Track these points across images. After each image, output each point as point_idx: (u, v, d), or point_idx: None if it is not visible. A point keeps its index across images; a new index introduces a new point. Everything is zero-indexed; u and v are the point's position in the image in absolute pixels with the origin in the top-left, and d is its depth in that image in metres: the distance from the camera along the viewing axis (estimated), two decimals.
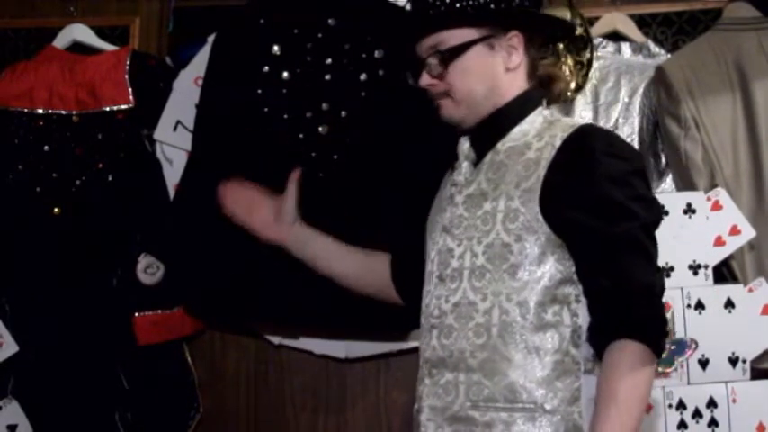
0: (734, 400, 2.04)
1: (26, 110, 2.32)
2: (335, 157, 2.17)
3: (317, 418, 2.35)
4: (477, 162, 1.58)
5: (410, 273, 1.74)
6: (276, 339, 2.34)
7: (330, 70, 2.19)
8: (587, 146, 1.46)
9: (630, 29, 2.37)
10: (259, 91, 2.19)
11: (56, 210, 2.28)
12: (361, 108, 2.18)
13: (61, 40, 2.42)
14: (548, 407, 1.43)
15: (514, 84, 1.56)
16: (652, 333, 1.40)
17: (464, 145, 1.61)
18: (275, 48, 2.20)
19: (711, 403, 2.03)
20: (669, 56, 2.32)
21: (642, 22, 2.41)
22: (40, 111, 2.32)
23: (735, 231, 2.07)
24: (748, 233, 2.08)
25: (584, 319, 1.47)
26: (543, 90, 1.61)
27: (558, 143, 1.49)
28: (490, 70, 1.55)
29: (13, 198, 2.29)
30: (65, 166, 2.29)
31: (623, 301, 1.40)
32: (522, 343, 1.45)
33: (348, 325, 2.21)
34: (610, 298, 1.41)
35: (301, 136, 2.18)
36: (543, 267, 1.46)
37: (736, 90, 2.19)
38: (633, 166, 1.48)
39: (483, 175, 1.55)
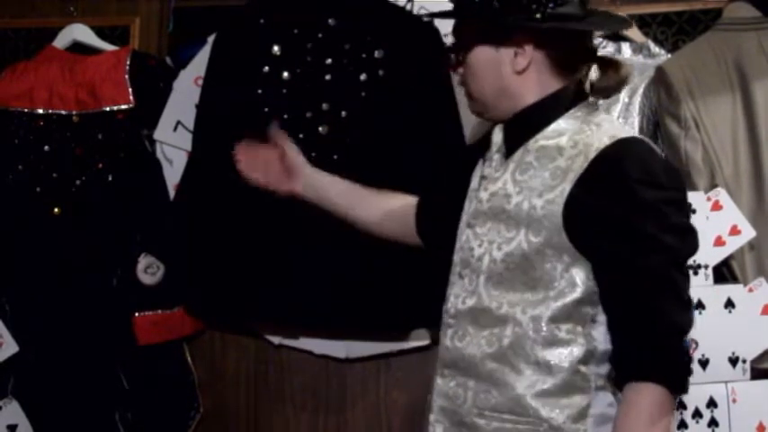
0: (734, 400, 2.04)
1: (26, 110, 2.32)
2: (335, 157, 2.17)
3: (317, 418, 2.35)
4: (507, 155, 1.53)
5: (435, 219, 1.72)
6: (276, 339, 2.34)
7: (330, 70, 2.19)
8: (621, 169, 1.38)
9: (630, 29, 2.36)
10: (259, 91, 2.19)
11: (56, 210, 2.28)
12: (361, 108, 2.18)
13: (61, 40, 2.42)
14: (553, 423, 1.41)
15: (528, 85, 1.50)
16: (677, 378, 1.37)
17: (497, 136, 1.56)
18: (275, 48, 2.20)
19: (711, 403, 2.03)
20: (669, 56, 2.32)
21: (642, 22, 2.41)
22: (41, 111, 2.32)
23: (735, 231, 2.07)
24: (748, 233, 2.08)
25: (599, 339, 1.43)
26: (582, 87, 1.53)
27: (591, 155, 1.40)
28: (496, 71, 1.50)
29: (13, 198, 2.29)
30: (65, 166, 2.29)
31: (648, 342, 1.36)
32: (532, 357, 1.42)
33: (348, 325, 2.21)
34: (634, 336, 1.37)
35: (301, 136, 2.17)
36: (564, 285, 1.42)
37: (737, 90, 2.19)
38: (668, 194, 1.39)
39: (510, 173, 1.50)
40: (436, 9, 2.25)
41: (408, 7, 2.30)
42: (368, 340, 2.28)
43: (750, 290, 2.08)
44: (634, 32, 2.36)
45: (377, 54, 2.19)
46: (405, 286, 2.13)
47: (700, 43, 2.27)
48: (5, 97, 2.32)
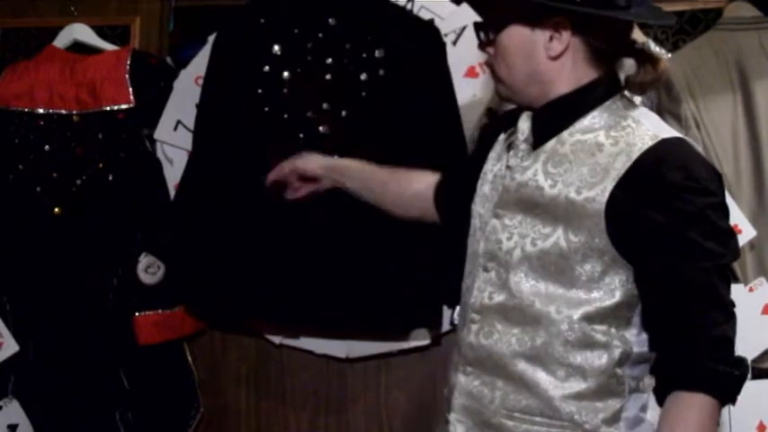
0: None
1: (27, 109, 2.32)
2: (336, 156, 2.16)
3: (318, 418, 2.35)
4: (535, 146, 1.46)
5: (454, 193, 1.68)
6: (277, 339, 2.34)
7: (330, 70, 2.19)
8: (665, 176, 1.33)
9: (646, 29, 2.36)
10: (259, 90, 2.19)
11: (56, 210, 2.28)
12: (362, 108, 2.18)
13: (62, 40, 2.42)
14: (587, 427, 1.38)
15: (562, 73, 1.42)
16: (728, 389, 1.33)
17: (524, 124, 1.48)
18: (276, 47, 2.20)
19: None
20: (669, 55, 2.32)
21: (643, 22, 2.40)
22: (41, 110, 2.32)
23: (735, 231, 2.07)
24: (749, 233, 2.08)
25: (633, 341, 1.40)
26: (617, 78, 1.47)
27: (634, 155, 1.35)
28: (529, 54, 1.43)
29: (13, 198, 2.29)
30: (65, 165, 2.29)
31: (696, 353, 1.31)
32: (566, 359, 1.38)
33: (348, 325, 2.21)
34: (680, 345, 1.33)
35: (302, 136, 2.17)
36: (602, 287, 1.38)
37: (737, 90, 2.18)
38: (711, 199, 1.35)
39: (541, 164, 1.43)
40: (437, 9, 2.28)
41: (409, 7, 2.29)
42: (368, 340, 2.28)
43: (750, 289, 2.08)
44: (635, 32, 2.35)
45: (377, 54, 2.19)
46: (405, 287, 2.13)
47: (700, 43, 2.27)
48: (6, 97, 2.32)
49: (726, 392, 1.33)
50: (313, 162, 1.88)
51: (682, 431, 1.31)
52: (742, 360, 1.35)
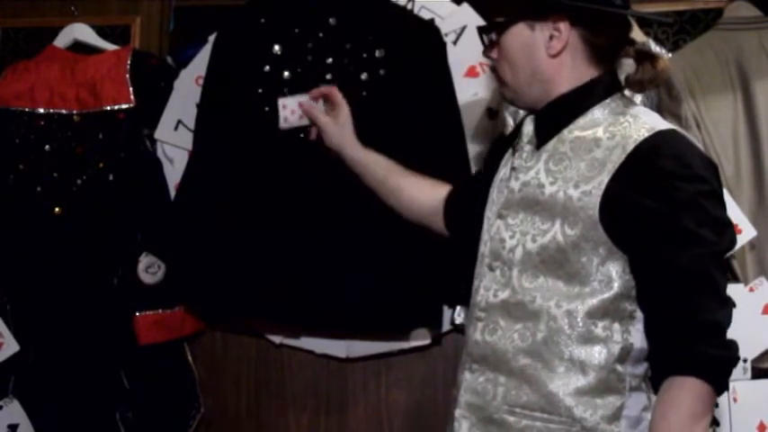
0: (734, 400, 2.04)
1: (27, 109, 2.32)
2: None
3: (318, 418, 2.35)
4: (538, 146, 1.50)
5: (463, 212, 1.70)
6: (277, 339, 2.34)
7: (331, 70, 2.19)
8: (659, 162, 1.35)
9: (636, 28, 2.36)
10: (260, 90, 2.19)
11: (56, 210, 2.28)
12: (362, 107, 2.17)
13: (62, 40, 2.42)
14: (586, 423, 1.38)
15: (562, 71, 1.46)
16: (718, 373, 1.33)
17: (527, 127, 1.53)
18: (276, 47, 2.20)
19: None
20: (670, 56, 2.32)
21: (643, 21, 2.40)
22: (41, 110, 2.32)
23: (735, 231, 2.06)
24: (749, 233, 2.08)
25: (636, 337, 1.40)
26: (617, 77, 1.50)
27: (629, 148, 1.38)
28: (530, 53, 1.47)
29: (14, 198, 2.29)
30: (65, 165, 2.29)
31: (689, 338, 1.32)
32: (566, 354, 1.40)
33: (349, 325, 2.21)
34: (673, 332, 1.34)
35: (302, 135, 2.17)
36: (600, 279, 1.39)
37: (737, 90, 2.19)
38: (706, 186, 1.36)
39: (543, 163, 1.46)
40: (437, 9, 2.29)
41: (409, 7, 2.30)
42: (368, 340, 2.28)
43: (751, 289, 2.08)
44: (635, 32, 2.35)
45: (377, 54, 2.19)
46: (405, 286, 2.13)
47: (701, 43, 2.27)
48: (6, 97, 2.32)
49: (717, 376, 1.34)
50: (347, 135, 1.88)
51: (673, 416, 1.32)
52: (733, 344, 1.35)
